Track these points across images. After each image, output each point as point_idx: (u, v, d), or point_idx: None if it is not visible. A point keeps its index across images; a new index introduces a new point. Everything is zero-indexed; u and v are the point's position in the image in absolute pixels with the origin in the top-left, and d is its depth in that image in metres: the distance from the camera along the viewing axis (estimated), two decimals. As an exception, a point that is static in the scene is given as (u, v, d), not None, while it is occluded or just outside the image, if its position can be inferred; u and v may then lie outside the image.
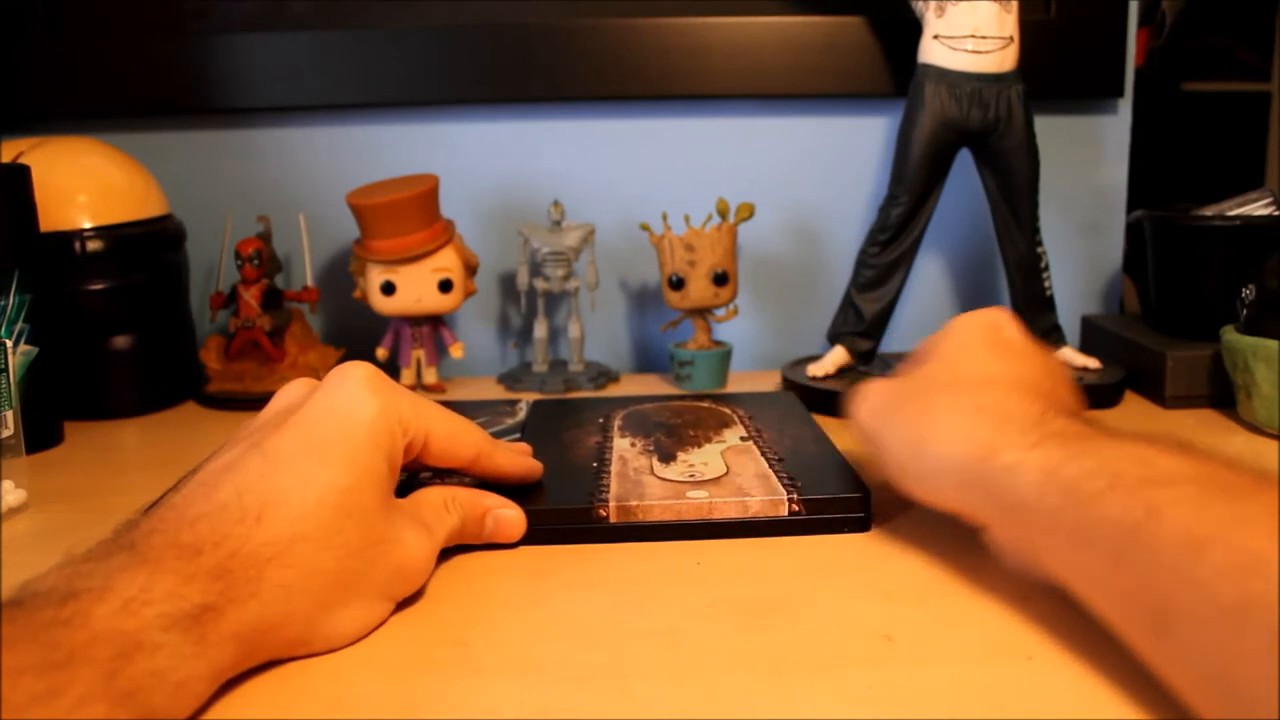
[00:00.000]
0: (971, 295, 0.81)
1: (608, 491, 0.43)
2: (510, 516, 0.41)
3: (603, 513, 0.42)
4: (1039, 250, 0.68)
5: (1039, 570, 0.33)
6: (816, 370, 0.68)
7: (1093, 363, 0.67)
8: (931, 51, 0.65)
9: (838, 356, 0.68)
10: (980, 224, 0.76)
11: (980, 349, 0.41)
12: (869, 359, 0.70)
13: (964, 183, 0.71)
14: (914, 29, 0.66)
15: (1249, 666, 0.23)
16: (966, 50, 0.63)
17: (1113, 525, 0.28)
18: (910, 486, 0.39)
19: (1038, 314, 0.68)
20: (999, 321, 0.42)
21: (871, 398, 0.42)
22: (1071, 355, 0.68)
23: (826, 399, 0.64)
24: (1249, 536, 0.25)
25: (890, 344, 0.76)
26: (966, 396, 0.37)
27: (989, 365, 0.39)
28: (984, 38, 0.63)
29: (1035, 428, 0.34)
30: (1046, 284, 0.68)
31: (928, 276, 0.80)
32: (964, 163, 0.68)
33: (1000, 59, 0.64)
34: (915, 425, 0.38)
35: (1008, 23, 0.63)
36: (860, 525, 0.42)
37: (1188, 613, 0.25)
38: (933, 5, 0.64)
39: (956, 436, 0.35)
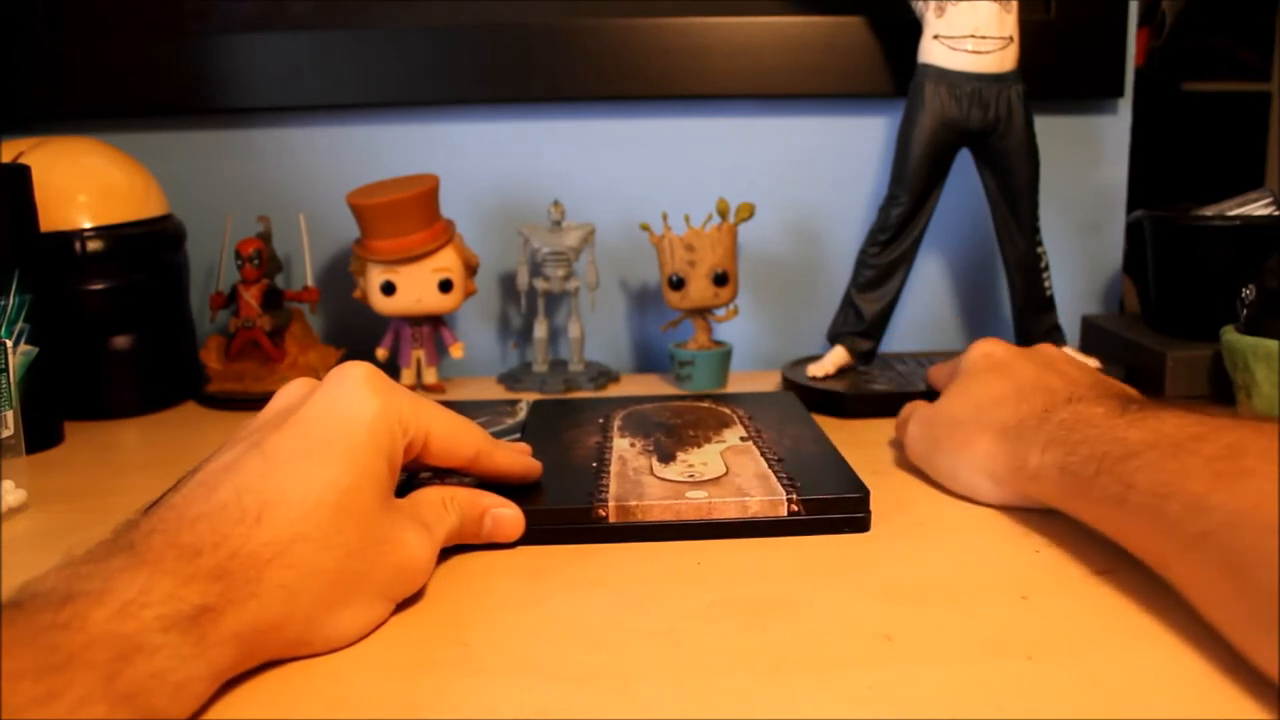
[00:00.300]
0: (971, 295, 0.81)
1: (607, 491, 0.43)
2: (508, 516, 0.41)
3: (602, 513, 0.42)
4: (1039, 250, 0.68)
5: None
6: (816, 370, 0.68)
7: (1092, 362, 0.67)
8: (931, 52, 0.64)
9: (838, 356, 0.68)
10: (980, 224, 0.76)
11: (984, 375, 0.48)
12: (869, 359, 0.70)
13: (964, 183, 0.71)
14: (914, 29, 0.66)
15: (1216, 584, 0.30)
16: (966, 50, 0.63)
17: (1107, 500, 0.36)
18: (962, 493, 0.47)
19: (1038, 314, 0.68)
20: (989, 349, 0.51)
21: (915, 435, 0.50)
22: (1071, 355, 0.68)
23: (826, 399, 0.64)
24: (1193, 486, 0.31)
25: (890, 344, 0.77)
26: (989, 420, 0.45)
27: (994, 386, 0.47)
28: (984, 38, 0.63)
29: (1040, 429, 0.41)
30: (1046, 284, 0.68)
31: (928, 277, 0.80)
32: (964, 162, 0.68)
33: (1000, 59, 0.64)
34: (955, 454, 0.46)
35: (1008, 23, 0.63)
36: (860, 525, 0.42)
37: (1171, 553, 0.33)
38: (933, 5, 0.64)
39: (987, 457, 0.44)
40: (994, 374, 0.48)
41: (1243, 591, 0.28)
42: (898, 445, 0.55)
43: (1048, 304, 0.69)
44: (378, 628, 0.34)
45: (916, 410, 0.51)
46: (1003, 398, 0.45)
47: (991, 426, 0.44)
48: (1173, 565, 0.33)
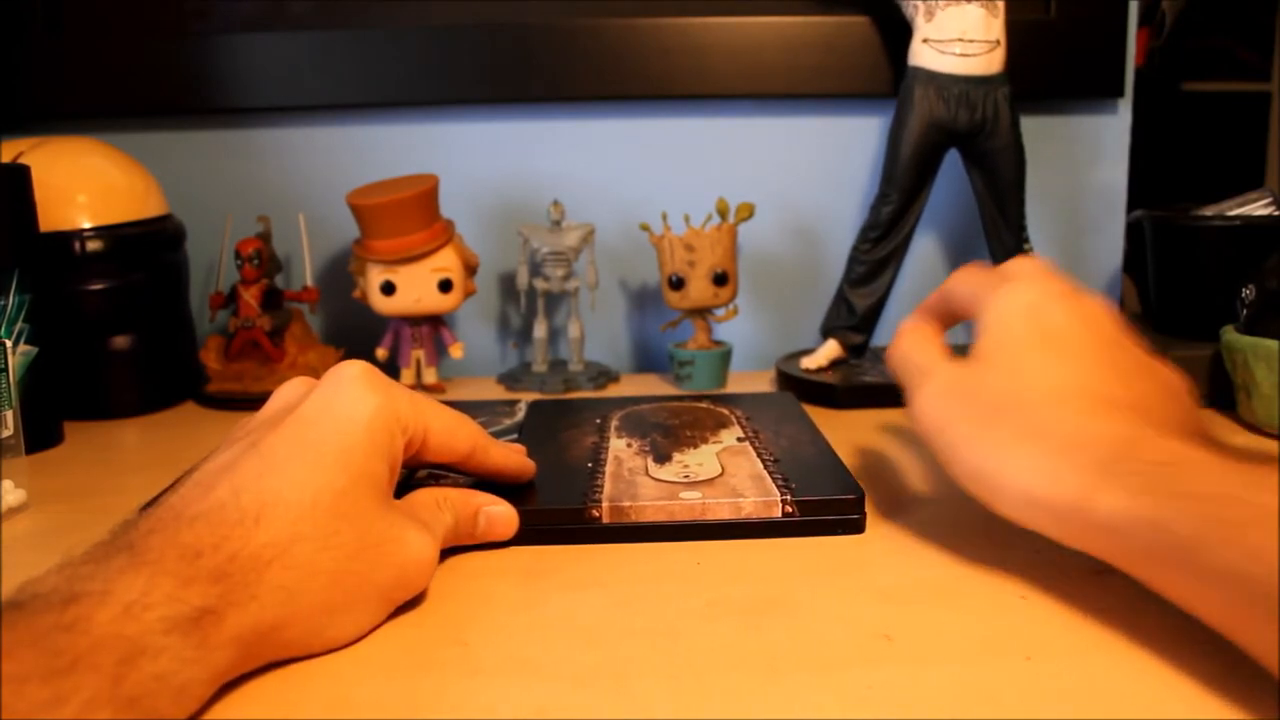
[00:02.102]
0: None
1: (601, 492, 0.43)
2: (502, 513, 0.41)
3: (595, 513, 0.42)
4: (1025, 247, 0.69)
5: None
6: (810, 363, 0.69)
7: None
8: (920, 54, 0.66)
9: (830, 350, 0.70)
10: (968, 222, 0.76)
11: (1036, 351, 0.37)
12: (860, 352, 0.71)
13: (952, 181, 0.72)
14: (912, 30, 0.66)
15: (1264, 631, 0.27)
16: (954, 53, 0.64)
17: (1218, 575, 0.28)
18: (977, 494, 0.37)
19: None
20: (1040, 307, 0.37)
21: (934, 405, 0.39)
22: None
23: (819, 390, 0.65)
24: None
25: (881, 337, 0.77)
26: (1045, 424, 0.35)
27: (1052, 373, 0.36)
28: (971, 41, 0.64)
29: (1122, 464, 0.32)
30: None
31: (918, 272, 0.80)
32: (953, 162, 0.68)
33: (987, 61, 0.64)
34: (991, 453, 0.36)
35: (994, 26, 0.64)
36: (855, 527, 0.42)
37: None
38: (922, 9, 0.65)
39: (1040, 477, 0.34)
40: (1050, 352, 0.37)
41: None
42: (893, 444, 0.55)
43: None
44: (375, 629, 0.34)
45: (936, 373, 0.40)
46: (1064, 394, 0.35)
47: (1049, 434, 0.34)
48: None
